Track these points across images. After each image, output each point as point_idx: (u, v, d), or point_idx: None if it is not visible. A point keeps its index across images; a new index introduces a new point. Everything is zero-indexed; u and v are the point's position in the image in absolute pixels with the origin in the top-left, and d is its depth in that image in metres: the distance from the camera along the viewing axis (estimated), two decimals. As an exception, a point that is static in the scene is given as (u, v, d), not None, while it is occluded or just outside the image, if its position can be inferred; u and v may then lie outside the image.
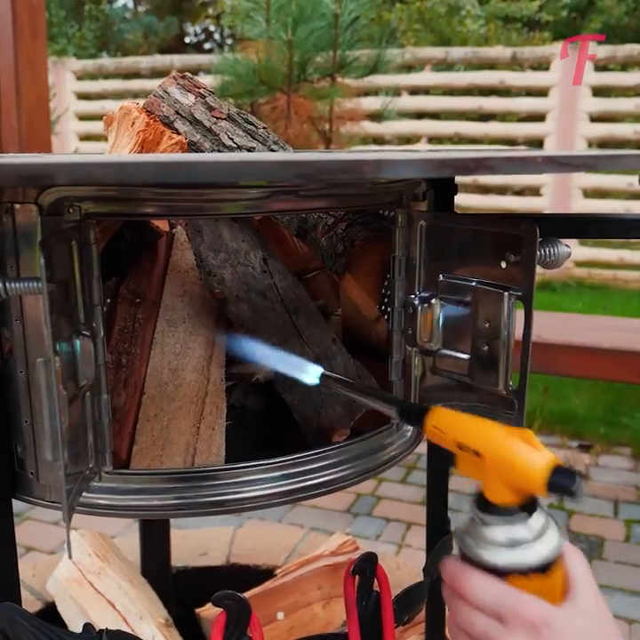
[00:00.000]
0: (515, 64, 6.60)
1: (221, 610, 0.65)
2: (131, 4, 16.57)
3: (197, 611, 1.27)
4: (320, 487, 0.75)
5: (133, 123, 0.77)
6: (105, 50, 14.42)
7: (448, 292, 0.76)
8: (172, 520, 1.41)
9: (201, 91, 0.82)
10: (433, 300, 0.76)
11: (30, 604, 1.28)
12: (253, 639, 0.63)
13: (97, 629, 0.70)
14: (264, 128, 0.84)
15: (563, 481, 0.53)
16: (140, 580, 1.28)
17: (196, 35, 17.95)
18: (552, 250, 0.71)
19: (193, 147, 0.79)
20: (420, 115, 7.00)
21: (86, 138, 7.58)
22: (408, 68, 6.97)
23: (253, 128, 0.83)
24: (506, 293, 0.70)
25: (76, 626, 1.24)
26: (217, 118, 0.81)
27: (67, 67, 7.70)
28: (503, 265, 0.70)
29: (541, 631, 0.53)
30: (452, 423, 0.61)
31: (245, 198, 0.73)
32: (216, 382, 0.80)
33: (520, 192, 6.99)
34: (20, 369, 0.69)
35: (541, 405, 3.27)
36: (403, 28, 7.70)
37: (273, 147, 0.83)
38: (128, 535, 1.41)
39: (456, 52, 6.74)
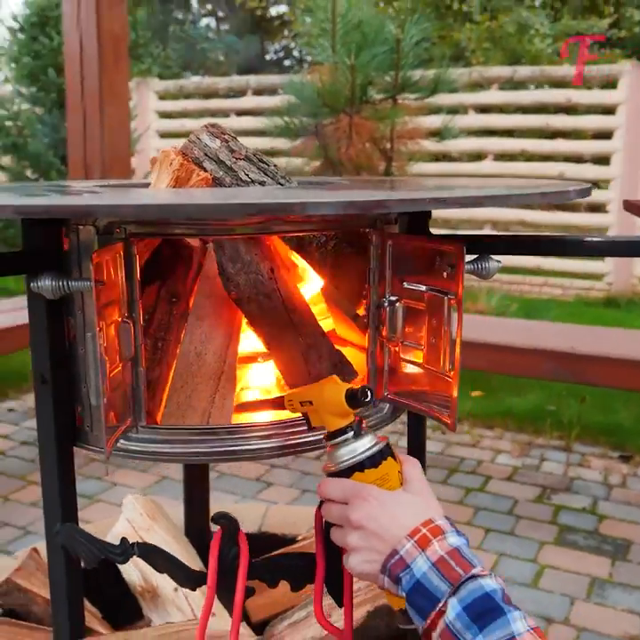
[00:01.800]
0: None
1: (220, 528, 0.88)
2: (213, 24, 17.18)
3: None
4: (304, 445, 0.97)
5: (171, 163, 1.01)
6: (188, 68, 15.00)
7: (409, 296, 0.97)
8: (211, 495, 1.65)
9: (226, 137, 1.06)
10: (397, 303, 0.97)
11: (92, 554, 1.53)
12: (241, 548, 0.85)
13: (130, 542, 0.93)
14: (274, 166, 1.06)
15: (354, 398, 0.82)
16: (182, 539, 1.51)
17: (276, 53, 18.45)
18: (483, 264, 0.91)
19: (216, 182, 1.02)
20: (487, 132, 7.13)
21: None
22: (476, 86, 7.12)
23: (265, 166, 1.05)
24: (445, 297, 0.90)
25: (127, 573, 1.49)
26: (236, 158, 1.04)
27: (150, 87, 8.15)
28: (445, 275, 0.90)
29: (371, 502, 0.76)
30: (297, 392, 0.90)
31: (255, 222, 0.96)
32: (230, 364, 1.03)
33: (595, 208, 6.94)
34: (80, 348, 0.93)
35: (578, 415, 3.39)
36: (472, 47, 7.86)
37: (280, 180, 1.05)
38: (177, 507, 1.65)
39: (523, 71, 6.86)
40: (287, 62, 17.59)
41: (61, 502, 0.98)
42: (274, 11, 16.04)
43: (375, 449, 0.83)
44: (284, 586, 1.43)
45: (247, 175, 1.04)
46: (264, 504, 1.77)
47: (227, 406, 0.99)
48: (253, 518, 1.69)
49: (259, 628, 1.41)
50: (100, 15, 3.87)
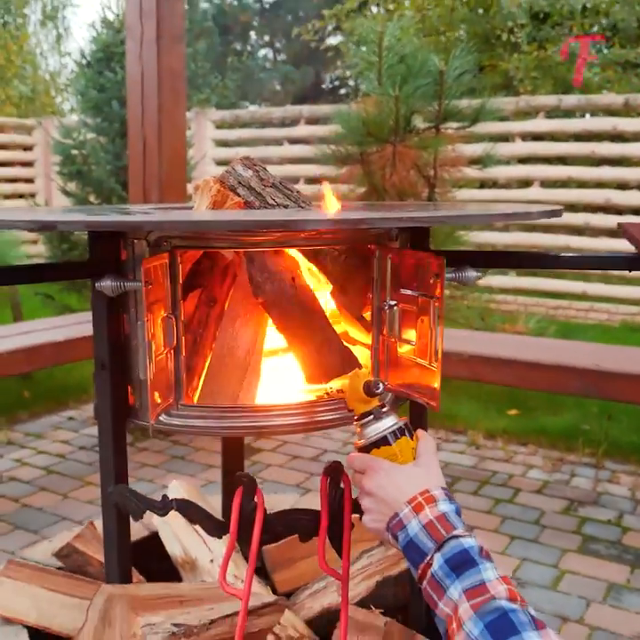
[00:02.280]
0: (628, 110, 6.77)
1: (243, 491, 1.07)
2: (271, 55, 17.69)
3: (263, 548, 1.68)
4: (319, 423, 1.16)
5: (211, 189, 1.22)
6: (245, 98, 15.48)
7: (405, 300, 1.16)
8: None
9: (257, 167, 1.26)
10: (395, 307, 1.16)
11: (140, 531, 1.73)
12: (258, 503, 1.04)
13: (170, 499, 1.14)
14: (297, 192, 1.27)
15: (369, 388, 0.99)
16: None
17: (331, 82, 18.87)
18: (462, 274, 1.09)
19: (248, 205, 1.23)
20: (533, 159, 7.26)
21: (222, 180, 8.31)
22: (523, 114, 7.27)
23: (289, 192, 1.26)
24: (432, 301, 1.09)
25: (171, 548, 1.69)
26: (265, 186, 1.24)
27: (207, 116, 8.51)
28: (431, 282, 1.09)
29: (380, 473, 0.94)
30: (334, 382, 1.08)
31: (279, 238, 1.16)
32: (257, 357, 1.23)
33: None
34: (133, 340, 1.14)
35: (606, 431, 3.49)
36: (520, 76, 8.02)
37: (301, 204, 1.25)
38: (214, 496, 1.85)
39: (569, 100, 6.98)
40: (343, 91, 17.99)
41: (115, 468, 1.19)
42: (330, 40, 16.47)
43: (391, 429, 1.00)
44: (305, 563, 1.62)
45: (274, 200, 1.24)
46: (296, 495, 1.95)
47: (252, 390, 1.19)
48: (284, 506, 1.88)
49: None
50: (160, 52, 4.17)
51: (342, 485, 1.10)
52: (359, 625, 1.28)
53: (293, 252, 1.24)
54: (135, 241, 1.10)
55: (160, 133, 4.20)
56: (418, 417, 1.32)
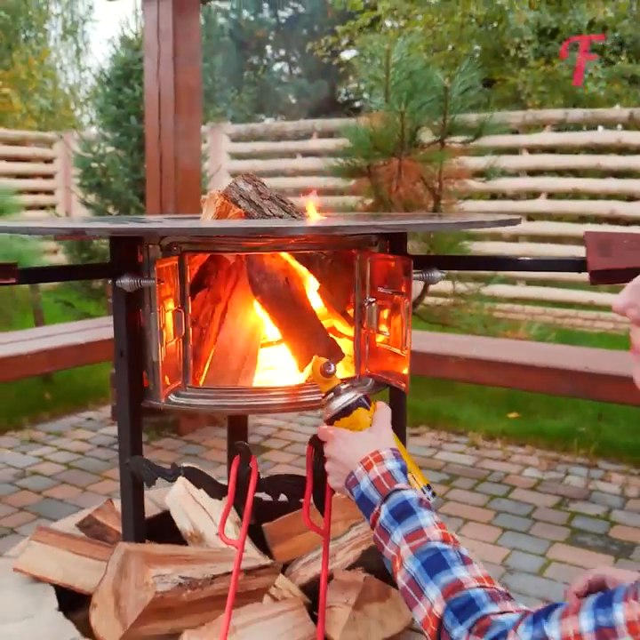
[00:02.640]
0: (632, 123, 6.92)
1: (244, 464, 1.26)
2: (286, 69, 17.95)
3: (263, 525, 1.86)
4: (305, 404, 1.34)
5: (215, 202, 1.41)
6: (261, 111, 15.74)
7: (382, 298, 1.34)
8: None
9: (256, 182, 1.45)
10: (374, 303, 1.34)
11: (154, 509, 1.92)
12: (252, 468, 1.23)
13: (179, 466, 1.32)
14: (291, 204, 1.45)
15: (324, 369, 1.18)
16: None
17: (346, 95, 19.10)
18: (428, 274, 1.27)
19: (247, 215, 1.41)
20: (540, 172, 7.43)
21: (236, 192, 8.54)
22: (531, 127, 7.44)
23: (284, 204, 1.44)
24: (403, 297, 1.27)
25: (181, 523, 1.87)
26: (263, 198, 1.43)
27: (223, 130, 8.75)
28: (402, 281, 1.27)
29: (338, 440, 1.11)
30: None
31: (273, 243, 1.35)
32: (254, 348, 1.42)
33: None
34: (148, 331, 1.33)
35: (598, 430, 3.64)
36: (528, 90, 8.19)
37: (294, 214, 1.44)
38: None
39: (575, 113, 7.14)
40: (357, 104, 18.21)
41: (131, 442, 1.37)
42: (344, 54, 16.71)
43: (349, 402, 1.19)
44: (300, 537, 1.80)
45: (270, 211, 1.43)
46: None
47: (250, 375, 1.37)
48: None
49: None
50: (176, 70, 4.39)
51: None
52: (344, 583, 1.46)
53: (286, 256, 1.43)
54: (150, 246, 1.29)
55: (176, 148, 4.41)
56: (397, 403, 1.50)
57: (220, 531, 1.24)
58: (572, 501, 3.20)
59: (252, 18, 16.95)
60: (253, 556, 1.62)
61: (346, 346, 1.42)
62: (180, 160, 4.42)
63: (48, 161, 10.08)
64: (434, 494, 1.15)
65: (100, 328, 3.98)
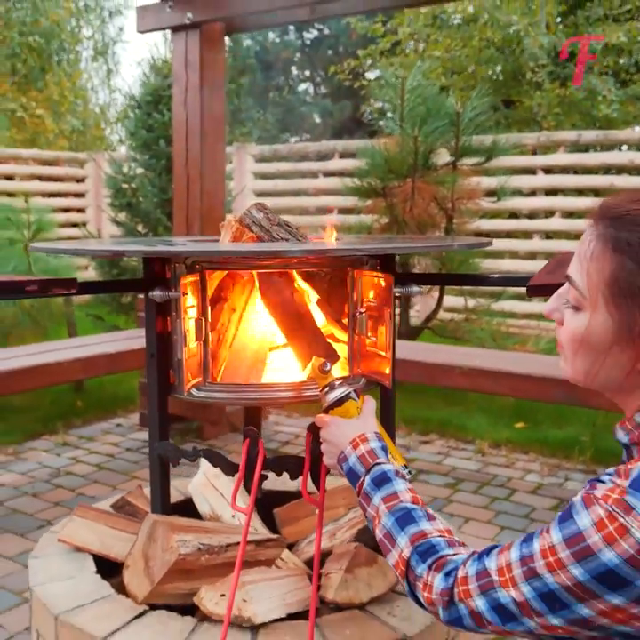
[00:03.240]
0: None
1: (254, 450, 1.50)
2: (311, 90, 18.34)
3: (275, 510, 2.10)
4: (307, 397, 1.58)
5: (232, 227, 1.67)
6: (286, 131, 16.10)
7: (370, 308, 1.58)
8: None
9: (266, 211, 1.70)
10: (364, 314, 1.59)
11: (177, 496, 2.16)
12: (260, 450, 1.47)
13: (199, 449, 1.57)
14: (296, 229, 1.70)
15: (321, 367, 1.39)
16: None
17: (370, 114, 19.45)
18: (408, 289, 1.52)
19: (259, 239, 1.67)
20: (557, 191, 7.64)
21: (260, 211, 8.84)
22: (546, 148, 7.66)
23: (290, 228, 1.70)
24: (386, 308, 1.51)
25: (201, 508, 2.11)
26: (272, 224, 1.69)
27: (247, 151, 9.07)
28: (386, 295, 1.52)
29: (331, 426, 1.35)
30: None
31: (279, 262, 1.60)
32: (264, 351, 1.67)
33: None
34: (174, 335, 1.59)
35: (593, 439, 3.84)
36: (543, 112, 8.42)
37: (299, 238, 1.69)
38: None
39: (588, 135, 7.36)
40: (381, 123, 18.52)
41: (159, 429, 1.63)
42: (368, 75, 17.04)
43: (341, 395, 1.43)
44: (306, 521, 2.03)
45: (278, 235, 1.68)
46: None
47: (260, 373, 1.62)
48: (294, 485, 2.29)
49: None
50: (203, 99, 4.68)
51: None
52: (339, 554, 1.70)
53: (292, 273, 1.68)
54: (176, 264, 1.55)
55: (202, 172, 4.69)
56: (386, 397, 1.74)
57: (231, 501, 1.48)
58: (569, 504, 3.40)
59: (277, 39, 17.36)
60: (263, 532, 1.86)
61: (341, 349, 1.66)
62: (206, 183, 4.70)
63: (80, 180, 10.48)
64: (410, 472, 1.38)
65: (130, 339, 4.26)
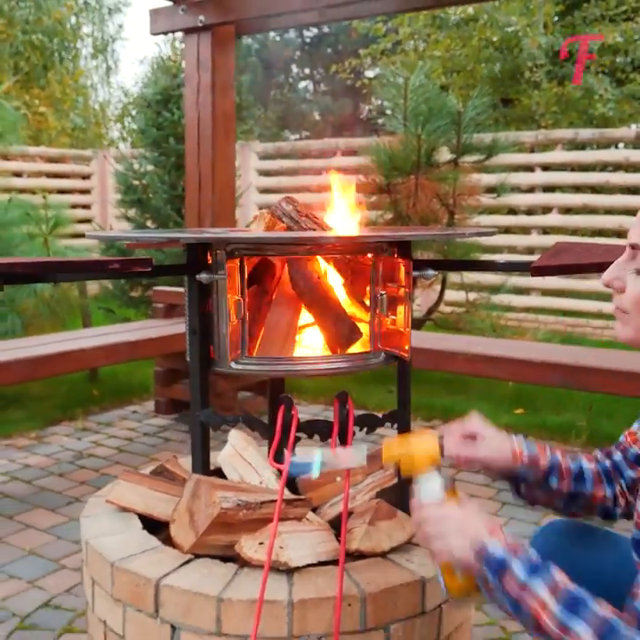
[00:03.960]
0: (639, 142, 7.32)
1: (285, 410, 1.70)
2: (311, 87, 18.53)
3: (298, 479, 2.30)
4: (340, 369, 1.78)
5: (265, 218, 1.86)
6: (287, 128, 16.29)
7: (390, 290, 1.78)
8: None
9: (295, 204, 1.90)
10: (384, 295, 1.78)
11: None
12: (294, 414, 1.67)
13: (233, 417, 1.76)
14: (322, 219, 1.90)
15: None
16: (264, 452, 2.33)
17: (370, 111, 19.63)
18: (424, 273, 1.72)
19: (289, 229, 1.86)
20: (555, 188, 7.84)
21: (264, 208, 9.06)
22: (544, 146, 7.86)
23: (317, 219, 1.89)
24: (405, 289, 1.71)
25: (231, 477, 2.31)
26: (300, 216, 1.88)
27: (251, 148, 9.25)
28: (404, 278, 1.71)
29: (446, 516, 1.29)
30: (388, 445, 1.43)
31: (308, 249, 1.79)
32: (293, 328, 1.86)
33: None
34: (215, 314, 1.78)
35: (587, 422, 4.05)
36: (541, 111, 8.62)
37: (324, 228, 1.88)
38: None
39: (584, 133, 7.56)
40: (380, 120, 18.71)
41: (201, 399, 1.82)
42: (369, 73, 17.23)
43: (440, 491, 1.30)
44: (327, 487, 2.22)
45: (306, 225, 1.88)
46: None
47: (291, 347, 1.82)
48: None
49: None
50: (214, 99, 4.87)
51: (347, 407, 1.72)
52: (361, 512, 1.89)
53: (319, 259, 1.88)
54: (218, 251, 1.74)
55: (213, 168, 4.88)
56: (403, 370, 1.93)
57: (269, 458, 1.68)
58: (566, 483, 3.60)
59: (278, 38, 17.54)
60: (291, 495, 2.06)
61: (363, 328, 1.86)
62: (217, 179, 4.89)
63: (85, 177, 10.65)
64: None
65: (145, 329, 4.45)
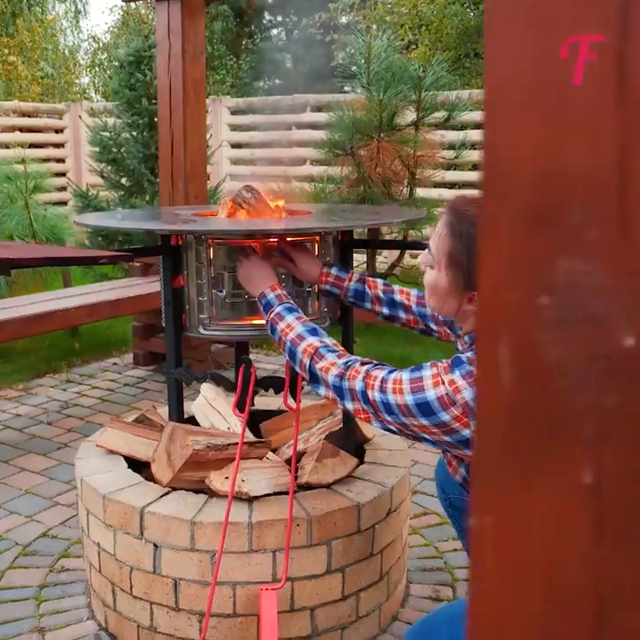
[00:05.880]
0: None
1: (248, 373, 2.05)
2: (283, 36, 18.46)
3: (260, 424, 2.66)
4: (284, 334, 2.12)
5: (228, 205, 2.18)
6: (259, 78, 16.31)
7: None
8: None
9: (254, 192, 2.22)
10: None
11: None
12: (252, 372, 2.02)
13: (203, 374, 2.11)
14: (277, 205, 2.22)
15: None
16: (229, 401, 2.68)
17: (343, 60, 19.63)
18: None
19: (248, 214, 2.18)
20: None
21: (236, 162, 9.27)
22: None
23: (271, 205, 2.21)
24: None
25: (202, 423, 2.66)
26: (258, 202, 2.20)
27: (223, 103, 9.42)
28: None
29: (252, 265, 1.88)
30: None
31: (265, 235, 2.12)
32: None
33: None
34: (185, 288, 2.12)
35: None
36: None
37: (279, 213, 2.21)
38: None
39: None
40: (353, 68, 18.72)
41: (175, 359, 2.17)
42: (342, 19, 17.20)
43: None
44: (286, 431, 2.57)
45: (262, 211, 2.20)
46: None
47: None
48: (278, 403, 2.85)
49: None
50: (185, 65, 5.09)
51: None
52: (311, 452, 2.26)
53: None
54: (187, 236, 2.07)
55: (185, 133, 5.13)
56: (346, 324, 2.28)
57: (232, 408, 2.03)
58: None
59: (249, -15, 17.39)
60: (254, 438, 2.43)
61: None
62: (189, 143, 5.15)
63: (58, 131, 10.76)
64: None
65: (124, 287, 4.75)
